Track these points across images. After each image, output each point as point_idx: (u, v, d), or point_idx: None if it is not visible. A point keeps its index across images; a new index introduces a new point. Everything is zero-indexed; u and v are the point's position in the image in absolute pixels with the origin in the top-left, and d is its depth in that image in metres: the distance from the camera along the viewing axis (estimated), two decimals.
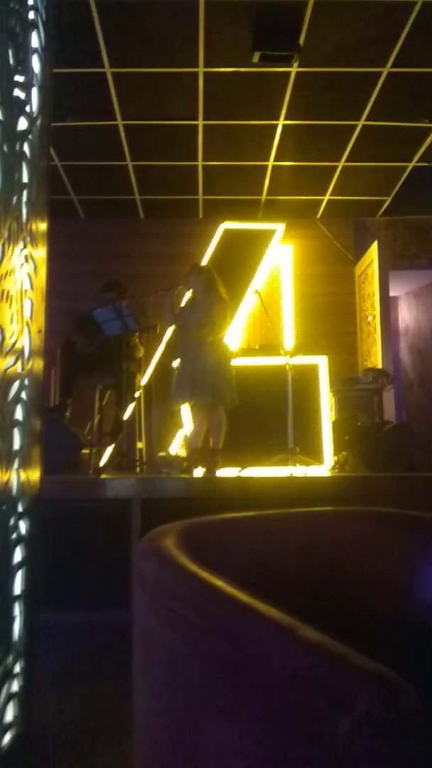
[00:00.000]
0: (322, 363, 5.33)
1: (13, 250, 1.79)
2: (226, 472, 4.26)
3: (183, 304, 4.49)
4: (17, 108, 1.86)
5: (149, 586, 1.04)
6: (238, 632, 0.83)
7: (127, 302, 4.83)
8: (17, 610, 1.82)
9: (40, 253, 2.01)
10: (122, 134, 4.93)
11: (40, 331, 2.00)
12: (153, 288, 5.24)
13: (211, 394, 4.12)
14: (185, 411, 4.96)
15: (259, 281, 6.02)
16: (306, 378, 5.11)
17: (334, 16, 3.67)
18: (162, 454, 5.25)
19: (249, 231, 6.17)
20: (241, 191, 5.91)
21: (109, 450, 5.06)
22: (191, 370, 4.12)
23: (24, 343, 1.87)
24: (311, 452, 4.80)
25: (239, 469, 4.37)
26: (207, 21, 3.70)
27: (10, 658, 1.76)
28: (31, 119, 1.96)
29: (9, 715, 1.74)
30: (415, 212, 6.38)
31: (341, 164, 5.42)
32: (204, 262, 5.85)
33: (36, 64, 2.01)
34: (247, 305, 5.98)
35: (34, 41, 2.00)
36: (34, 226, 1.96)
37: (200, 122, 4.78)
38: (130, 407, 5.10)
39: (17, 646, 1.81)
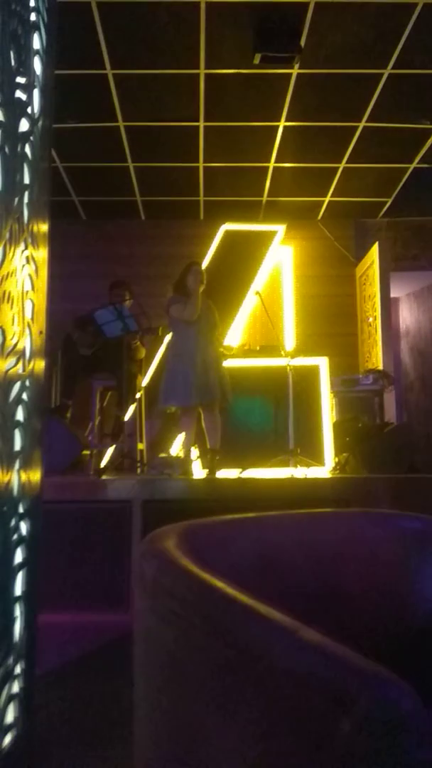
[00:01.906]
0: (322, 364, 5.33)
1: (14, 251, 1.79)
2: (226, 474, 4.27)
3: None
4: (19, 109, 1.87)
5: (149, 587, 1.04)
6: (239, 633, 0.83)
7: (130, 303, 4.83)
8: (18, 611, 1.82)
9: (42, 254, 2.02)
10: (123, 136, 4.94)
11: (41, 333, 2.00)
12: (154, 289, 5.26)
13: (207, 394, 4.14)
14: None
15: (259, 282, 6.02)
16: (307, 379, 5.11)
17: (335, 17, 3.68)
18: (163, 455, 5.25)
19: (250, 232, 6.18)
20: (242, 192, 5.92)
21: (109, 451, 5.07)
22: (192, 371, 4.12)
23: (25, 344, 1.87)
24: (312, 453, 4.80)
25: (240, 470, 4.37)
26: (208, 22, 3.71)
27: (11, 660, 1.76)
28: (33, 121, 1.96)
29: (9, 717, 1.74)
30: (416, 213, 6.39)
31: (342, 165, 5.42)
32: (205, 263, 5.85)
33: (37, 65, 2.01)
34: (248, 306, 5.98)
35: (36, 43, 2.01)
36: (35, 228, 1.96)
37: (201, 123, 4.79)
38: (131, 408, 5.10)
39: (18, 648, 1.81)
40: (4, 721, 1.71)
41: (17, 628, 1.82)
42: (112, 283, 5.10)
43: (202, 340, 4.23)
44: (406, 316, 7.36)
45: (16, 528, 1.82)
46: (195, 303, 4.23)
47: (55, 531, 2.98)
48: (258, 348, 5.50)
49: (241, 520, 1.43)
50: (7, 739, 1.71)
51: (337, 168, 5.47)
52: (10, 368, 1.76)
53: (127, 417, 4.92)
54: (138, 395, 5.11)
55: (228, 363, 4.65)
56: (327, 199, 6.06)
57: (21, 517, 1.85)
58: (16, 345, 1.79)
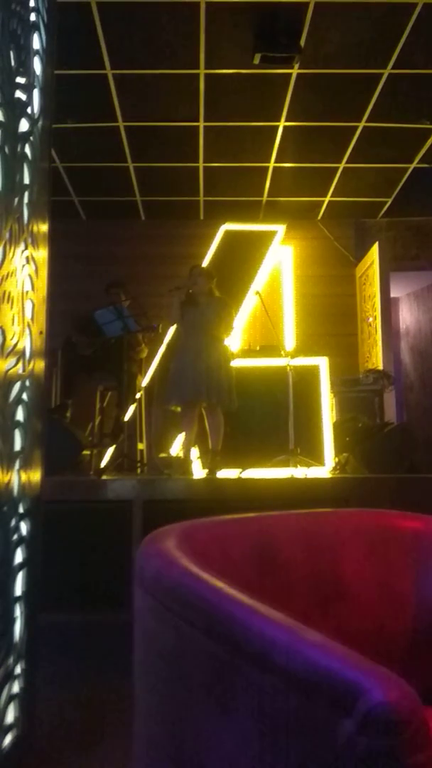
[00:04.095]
0: (322, 364, 5.32)
1: (14, 251, 1.79)
2: (226, 474, 4.26)
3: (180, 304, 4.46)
4: (18, 109, 1.87)
5: (150, 587, 1.04)
6: (239, 633, 0.83)
7: (129, 303, 4.84)
8: (18, 611, 1.83)
9: (42, 254, 2.02)
10: (123, 136, 4.94)
11: (41, 333, 2.00)
12: (154, 289, 5.26)
13: (213, 394, 4.13)
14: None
15: (259, 282, 6.02)
16: (306, 379, 5.10)
17: (334, 17, 3.68)
18: (163, 455, 5.25)
19: (250, 232, 6.17)
20: (242, 192, 5.92)
21: (109, 451, 5.06)
22: (196, 369, 4.12)
23: (25, 344, 1.87)
24: (312, 453, 4.80)
25: (240, 470, 4.37)
26: (208, 23, 3.70)
27: (11, 660, 1.76)
28: (33, 121, 1.96)
29: (10, 717, 1.74)
30: (416, 213, 6.38)
31: (342, 165, 5.42)
32: (205, 263, 5.85)
33: (37, 65, 2.01)
34: (248, 306, 5.98)
35: (36, 43, 2.01)
36: (35, 228, 1.96)
37: (201, 123, 4.78)
38: (131, 408, 5.10)
39: (18, 648, 1.81)
40: (5, 721, 1.71)
41: (17, 628, 1.82)
42: (108, 284, 5.12)
43: (198, 339, 4.21)
44: (406, 316, 7.36)
45: (16, 528, 1.82)
46: (170, 306, 4.31)
47: (55, 531, 2.97)
48: (258, 348, 5.50)
49: (240, 519, 1.43)
50: (7, 739, 1.71)
51: (337, 168, 5.47)
52: (10, 368, 1.76)
53: (127, 417, 4.92)
54: (138, 395, 5.11)
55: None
56: (327, 199, 6.06)
57: (21, 517, 1.85)
58: (16, 345, 1.79)
